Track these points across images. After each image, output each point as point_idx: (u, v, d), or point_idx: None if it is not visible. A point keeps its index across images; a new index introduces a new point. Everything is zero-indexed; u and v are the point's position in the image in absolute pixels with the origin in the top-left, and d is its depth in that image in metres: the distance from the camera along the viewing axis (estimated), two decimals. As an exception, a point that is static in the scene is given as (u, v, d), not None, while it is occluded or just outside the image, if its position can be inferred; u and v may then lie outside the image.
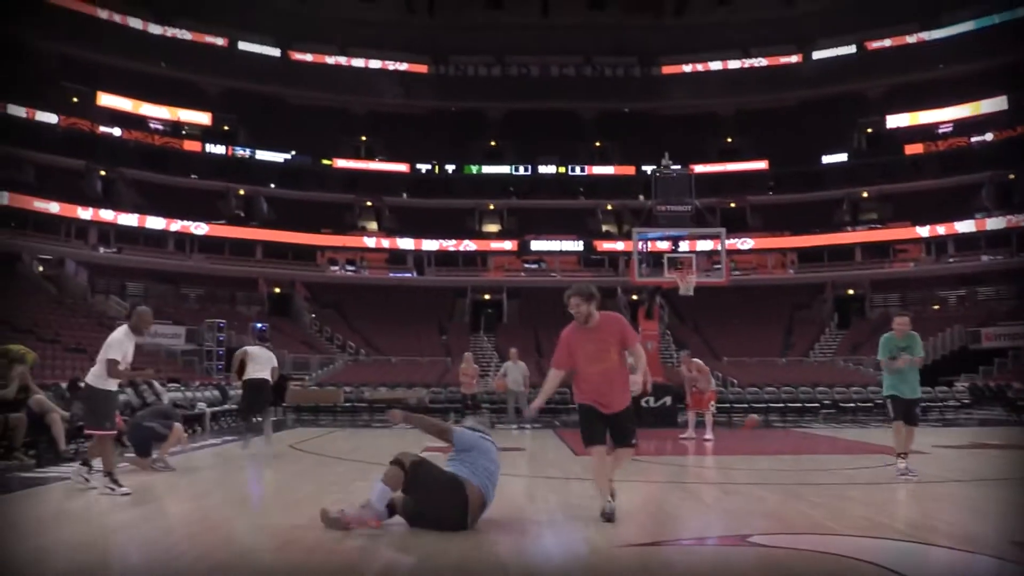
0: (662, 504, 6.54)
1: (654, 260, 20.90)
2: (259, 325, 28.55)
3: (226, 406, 16.96)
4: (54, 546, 4.74)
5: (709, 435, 12.83)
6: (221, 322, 27.04)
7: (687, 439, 12.84)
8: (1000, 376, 25.52)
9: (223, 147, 42.24)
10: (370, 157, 45.76)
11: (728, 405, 20.53)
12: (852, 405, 20.47)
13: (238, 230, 40.58)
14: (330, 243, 42.29)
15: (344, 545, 4.71)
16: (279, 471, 9.28)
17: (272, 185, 42.96)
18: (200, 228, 39.31)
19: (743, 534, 5.19)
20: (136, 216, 37.94)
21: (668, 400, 16.87)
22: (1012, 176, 38.09)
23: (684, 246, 28.62)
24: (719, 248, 20.17)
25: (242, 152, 42.59)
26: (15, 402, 9.43)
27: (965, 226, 38.07)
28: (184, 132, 42.51)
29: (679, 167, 26.19)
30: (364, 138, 46.10)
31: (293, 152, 43.56)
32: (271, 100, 43.36)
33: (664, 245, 25.56)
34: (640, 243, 20.20)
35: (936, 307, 36.54)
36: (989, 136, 39.17)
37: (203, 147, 41.96)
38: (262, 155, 42.93)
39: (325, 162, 44.18)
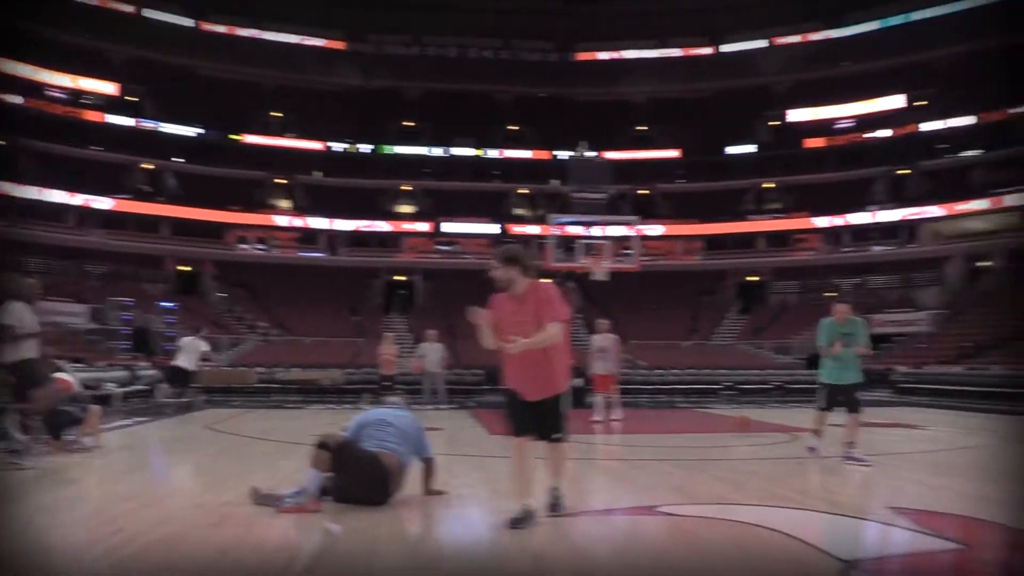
0: (575, 479, 6.89)
1: (567, 245, 21.39)
2: (166, 304, 27.80)
3: (136, 387, 16.62)
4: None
5: (611, 415, 13.12)
6: (127, 300, 26.25)
7: (597, 422, 12.98)
8: (887, 360, 27.10)
9: (129, 119, 40.70)
10: (283, 134, 44.87)
11: (635, 387, 21.23)
12: (752, 387, 21.46)
13: (144, 206, 39.29)
14: (240, 221, 41.37)
15: (280, 521, 4.88)
16: (199, 452, 9.28)
17: (180, 160, 41.71)
18: (103, 203, 37.90)
19: (652, 504, 5.59)
20: (36, 189, 36.25)
21: (581, 382, 17.31)
22: (904, 171, 40.25)
23: (597, 231, 29.28)
24: (631, 234, 20.78)
25: (149, 125, 41.15)
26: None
27: (860, 218, 40.10)
28: (87, 102, 40.74)
29: (594, 154, 26.70)
30: (277, 114, 45.16)
31: (203, 126, 42.35)
32: (180, 72, 41.91)
33: (577, 230, 26.11)
34: (554, 228, 20.63)
35: (832, 294, 38.36)
36: (885, 132, 41.24)
37: (107, 118, 40.34)
38: (170, 128, 41.61)
39: (236, 138, 43.13)
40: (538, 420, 4.97)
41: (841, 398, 8.02)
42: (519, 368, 4.95)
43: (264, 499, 5.25)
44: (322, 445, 5.22)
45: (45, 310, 25.56)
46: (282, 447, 9.09)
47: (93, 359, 21.32)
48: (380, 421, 5.67)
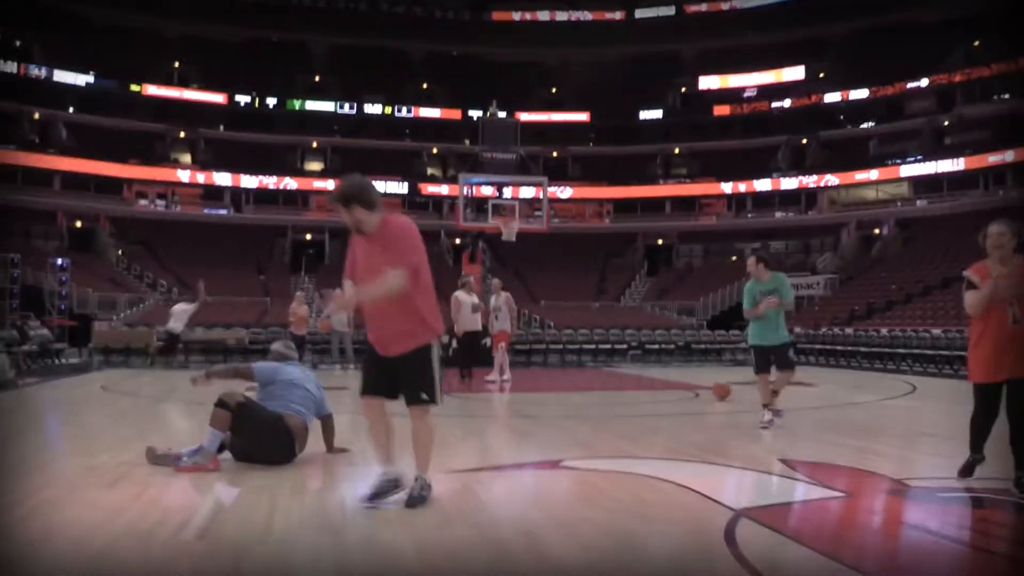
0: (481, 435, 6.99)
1: (478, 206, 21.37)
2: (59, 261, 26.47)
3: (25, 347, 15.88)
4: None
5: (501, 375, 12.68)
6: (15, 257, 24.78)
7: (490, 381, 12.58)
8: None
9: (14, 64, 38.22)
10: (184, 85, 42.98)
11: (544, 346, 21.54)
12: (657, 347, 22.03)
13: (32, 157, 37.10)
14: (139, 175, 39.59)
15: (178, 480, 4.79)
16: (95, 413, 8.97)
17: (72, 109, 39.53)
18: (-14, 152, 35.67)
19: (556, 459, 5.72)
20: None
21: (488, 341, 17.46)
22: (804, 141, 41.63)
23: (508, 192, 29.33)
24: (541, 196, 20.88)
25: (37, 71, 38.74)
26: None
27: (762, 184, 41.33)
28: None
29: (506, 115, 26.61)
30: (178, 64, 43.19)
31: (97, 75, 40.17)
32: (72, 17, 39.41)
33: (488, 191, 26.09)
34: (465, 188, 20.56)
35: (734, 259, 39.58)
36: (787, 103, 42.47)
37: (-10, 63, 37.80)
38: (61, 76, 39.24)
39: (134, 88, 41.05)
40: (395, 378, 4.29)
41: (772, 358, 7.71)
42: (374, 319, 4.32)
43: (161, 459, 5.14)
44: (221, 403, 5.11)
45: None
46: (182, 407, 8.87)
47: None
48: (288, 382, 5.59)
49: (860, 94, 40.39)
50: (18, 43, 38.99)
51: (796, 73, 42.75)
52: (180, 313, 17.06)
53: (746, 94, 44.51)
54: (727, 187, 41.80)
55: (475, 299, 12.71)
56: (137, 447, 5.51)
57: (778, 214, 40.83)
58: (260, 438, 5.21)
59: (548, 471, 5.42)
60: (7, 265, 24.37)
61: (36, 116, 38.48)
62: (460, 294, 12.53)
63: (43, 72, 38.76)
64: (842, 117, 41.72)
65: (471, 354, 12.66)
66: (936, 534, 3.89)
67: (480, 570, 3.24)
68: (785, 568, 3.30)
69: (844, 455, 6.02)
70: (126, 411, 8.96)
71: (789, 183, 40.65)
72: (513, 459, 5.81)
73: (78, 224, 37.47)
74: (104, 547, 3.44)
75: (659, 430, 7.41)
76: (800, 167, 41.15)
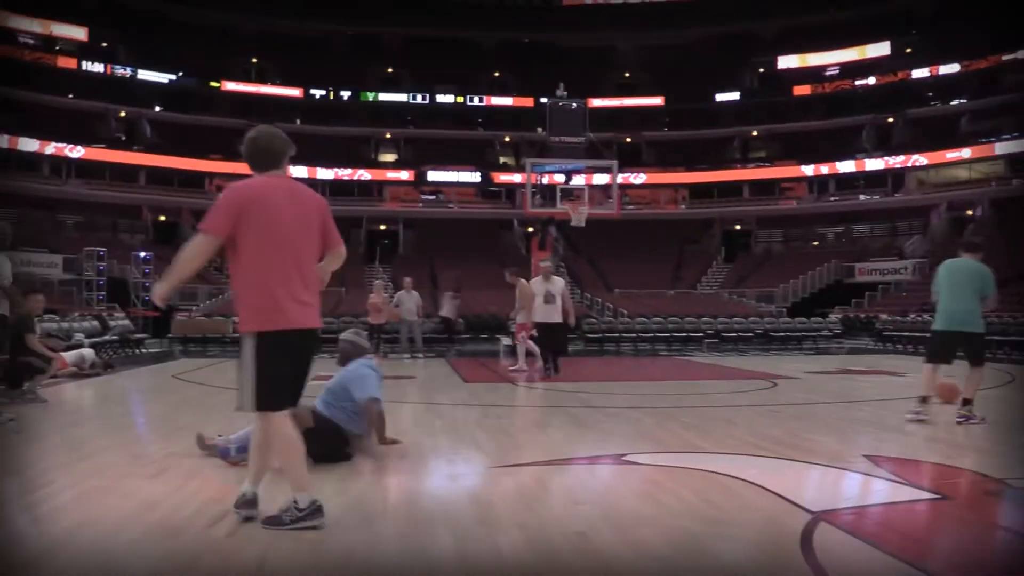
0: (543, 428, 6.69)
1: (548, 193, 21.02)
2: (143, 254, 27.30)
3: (106, 337, 16.30)
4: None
5: (520, 365, 12.12)
6: (101, 251, 25.69)
7: (517, 370, 11.97)
8: (870, 308, 27.08)
9: (101, 65, 39.60)
10: (262, 81, 43.89)
11: (617, 335, 21.10)
12: (734, 335, 21.33)
13: (119, 154, 38.48)
14: (220, 170, 40.55)
15: (224, 473, 4.63)
16: (159, 402, 9.03)
17: (157, 107, 40.75)
18: (77, 151, 37.05)
19: (619, 453, 5.38)
20: (6, 137, 35.32)
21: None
22: (890, 120, 39.83)
23: (580, 180, 28.85)
24: (610, 180, 20.41)
25: (122, 71, 40.07)
26: None
27: (846, 166, 39.75)
28: (58, 48, 39.58)
29: (575, 99, 26.11)
30: (255, 60, 44.12)
31: (179, 73, 41.31)
32: (154, 16, 40.65)
33: (560, 179, 25.69)
34: (535, 174, 20.23)
35: (815, 243, 38.26)
36: (871, 80, 40.70)
37: (79, 64, 39.23)
38: (145, 75, 40.55)
39: (213, 84, 42.11)
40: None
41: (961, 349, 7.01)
42: None
43: (210, 448, 4.99)
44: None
45: (20, 260, 25.15)
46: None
47: (67, 310, 20.95)
48: (341, 388, 5.27)
49: (950, 69, 38.38)
50: (104, 44, 40.32)
51: (881, 49, 40.96)
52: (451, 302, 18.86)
53: (828, 72, 42.91)
54: (808, 169, 40.39)
55: (551, 286, 11.45)
56: (189, 437, 5.40)
57: (863, 196, 39.22)
58: (315, 438, 4.92)
59: (609, 466, 5.09)
60: (94, 258, 25.41)
61: (122, 114, 39.82)
62: (533, 282, 11.74)
63: (128, 72, 40.03)
64: (931, 94, 39.75)
65: (550, 345, 11.56)
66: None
67: (520, 571, 2.95)
68: None
69: (938, 451, 5.51)
70: (190, 400, 8.97)
71: (874, 164, 39.01)
72: (573, 453, 5.48)
73: (162, 218, 38.66)
74: (133, 539, 3.31)
75: (732, 422, 6.97)
76: (886, 147, 39.44)
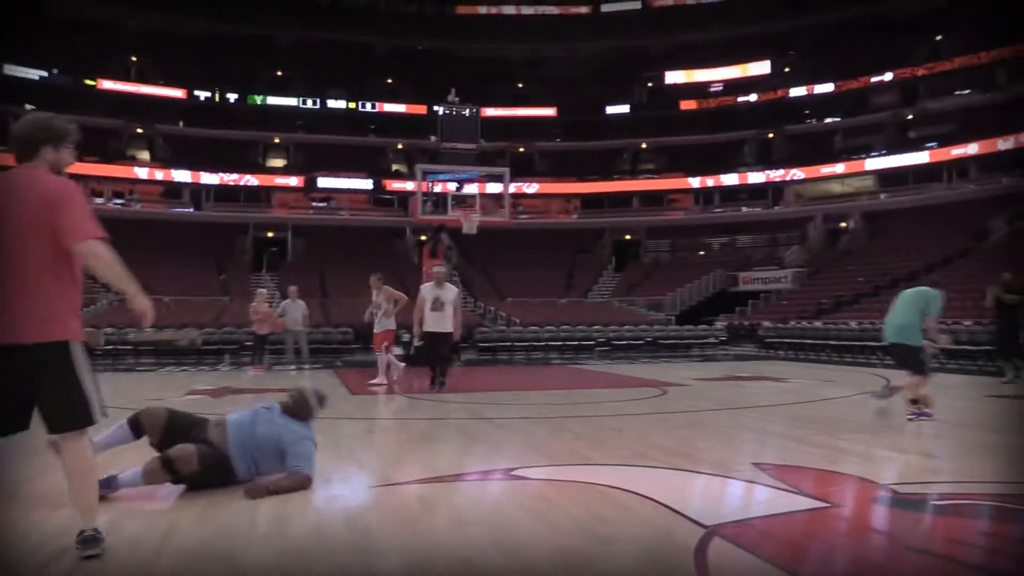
0: (428, 441, 6.44)
1: (441, 200, 20.80)
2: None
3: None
4: None
5: (380, 379, 11.38)
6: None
7: (376, 384, 11.24)
8: (753, 316, 27.98)
9: (-41, 58, 36.94)
10: (142, 80, 41.87)
11: (509, 344, 21.03)
12: (624, 343, 21.60)
13: (-21, 153, 35.90)
14: (95, 172, 38.43)
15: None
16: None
17: (27, 105, 38.22)
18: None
19: (509, 467, 5.19)
20: None
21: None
22: (771, 135, 41.52)
23: (472, 188, 28.75)
24: (501, 188, 20.35)
25: (-14, 65, 37.47)
26: None
27: (730, 179, 41.18)
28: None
29: (468, 105, 25.96)
30: (135, 58, 42.06)
31: (52, 69, 38.94)
32: (27, 9, 38.13)
33: (452, 187, 25.52)
34: (427, 182, 19.97)
35: (702, 253, 39.36)
36: (753, 97, 42.32)
37: (-65, 56, 36.48)
38: (13, 70, 38.00)
39: (89, 82, 39.89)
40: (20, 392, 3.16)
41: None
42: None
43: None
44: (165, 464, 4.25)
45: None
46: (118, 412, 8.18)
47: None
48: (274, 444, 4.55)
49: (825, 88, 40.34)
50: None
51: (762, 67, 42.70)
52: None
53: (712, 88, 44.34)
54: (694, 182, 41.63)
55: (443, 293, 10.60)
56: (40, 462, 4.87)
57: (745, 208, 40.68)
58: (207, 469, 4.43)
59: (498, 482, 4.88)
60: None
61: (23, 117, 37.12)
62: (424, 287, 10.85)
63: (-8, 66, 37.48)
64: (807, 111, 41.69)
65: (435, 357, 10.75)
66: (933, 552, 3.42)
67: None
68: None
69: (823, 457, 5.55)
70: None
71: (756, 177, 40.58)
72: (461, 468, 5.25)
73: (29, 223, 36.23)
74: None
75: (623, 432, 6.90)
76: (767, 161, 41.08)
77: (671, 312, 29.24)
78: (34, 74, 38.61)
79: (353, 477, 4.92)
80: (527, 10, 45.76)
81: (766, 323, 24.29)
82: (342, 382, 12.43)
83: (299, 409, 4.69)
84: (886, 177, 37.55)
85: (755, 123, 41.74)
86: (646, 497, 4.20)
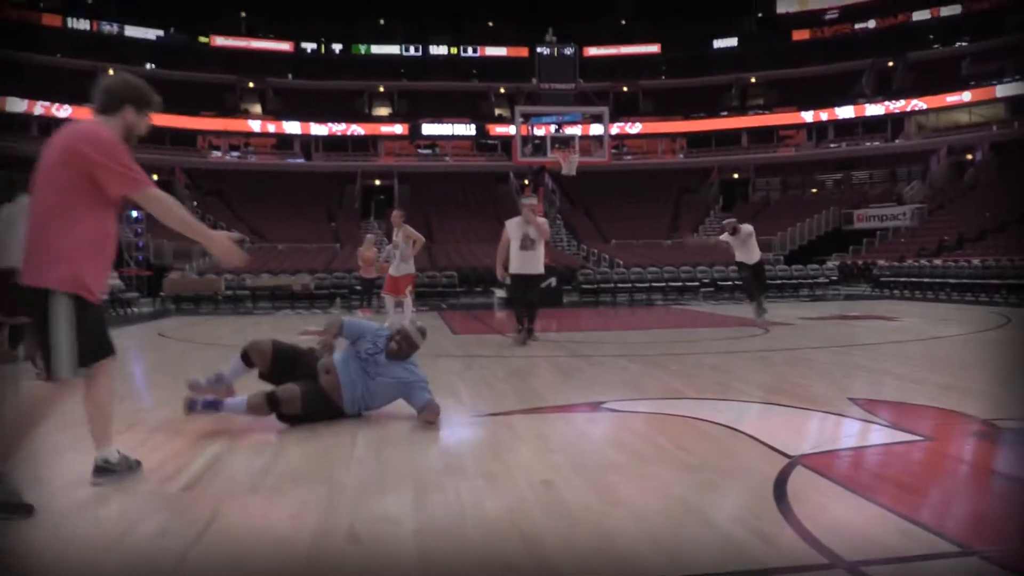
0: (525, 377, 6.58)
1: (540, 143, 20.69)
2: (135, 214, 27.06)
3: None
4: None
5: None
6: (92, 210, 25.50)
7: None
8: (868, 255, 26.88)
9: (87, 22, 38.91)
10: (252, 35, 43.15)
11: (612, 285, 20.98)
12: (730, 283, 21.18)
13: (108, 112, 38.01)
14: (211, 127, 40.19)
15: (189, 426, 4.52)
16: (141, 359, 8.92)
17: (147, 65, 40.11)
18: (65, 110, 36.57)
19: (598, 401, 5.27)
20: (-7, 98, 34.94)
21: (553, 281, 17.02)
22: (890, 63, 39.20)
23: (574, 130, 28.46)
24: (601, 128, 20.09)
25: (109, 28, 39.38)
26: None
27: (845, 112, 39.24)
28: (42, 4, 38.84)
29: (566, 45, 25.56)
30: (244, 14, 43.32)
31: (167, 28, 40.60)
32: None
33: (552, 129, 25.32)
34: (527, 125, 19.93)
35: (814, 191, 37.90)
36: (872, 23, 39.97)
37: (65, 21, 38.54)
38: (132, 31, 39.87)
39: (203, 40, 41.44)
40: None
41: None
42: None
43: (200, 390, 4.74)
44: (271, 400, 4.45)
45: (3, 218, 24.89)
46: (230, 351, 8.72)
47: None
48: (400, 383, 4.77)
49: (952, 10, 37.67)
50: (89, 1, 39.58)
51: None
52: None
53: (827, 16, 42.12)
54: (807, 116, 39.91)
55: (531, 230, 9.31)
56: (161, 394, 5.29)
57: (863, 143, 38.75)
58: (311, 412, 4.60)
59: (585, 414, 4.98)
60: (83, 218, 25.24)
61: (110, 72, 39.11)
62: (511, 223, 9.56)
63: (115, 28, 39.36)
64: (932, 36, 39.02)
65: (525, 301, 9.38)
66: (1029, 483, 3.32)
67: (480, 522, 2.84)
68: (842, 526, 2.76)
69: (926, 393, 5.38)
70: (171, 357, 8.86)
71: (874, 109, 38.55)
72: (551, 401, 5.36)
73: (155, 177, 38.17)
74: (88, 497, 3.19)
75: (720, 368, 6.86)
76: (886, 92, 38.91)
77: (780, 252, 28.42)
78: (151, 34, 40.32)
79: (448, 408, 5.09)
80: (629, -57, 44.45)
81: (881, 262, 23.31)
82: (446, 323, 12.76)
83: (407, 349, 4.84)
84: (1018, 104, 34.88)
85: (873, 51, 39.48)
86: (734, 429, 4.21)
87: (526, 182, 36.96)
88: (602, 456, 3.78)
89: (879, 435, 4.21)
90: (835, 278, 22.21)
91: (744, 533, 2.67)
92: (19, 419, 3.19)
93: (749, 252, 12.00)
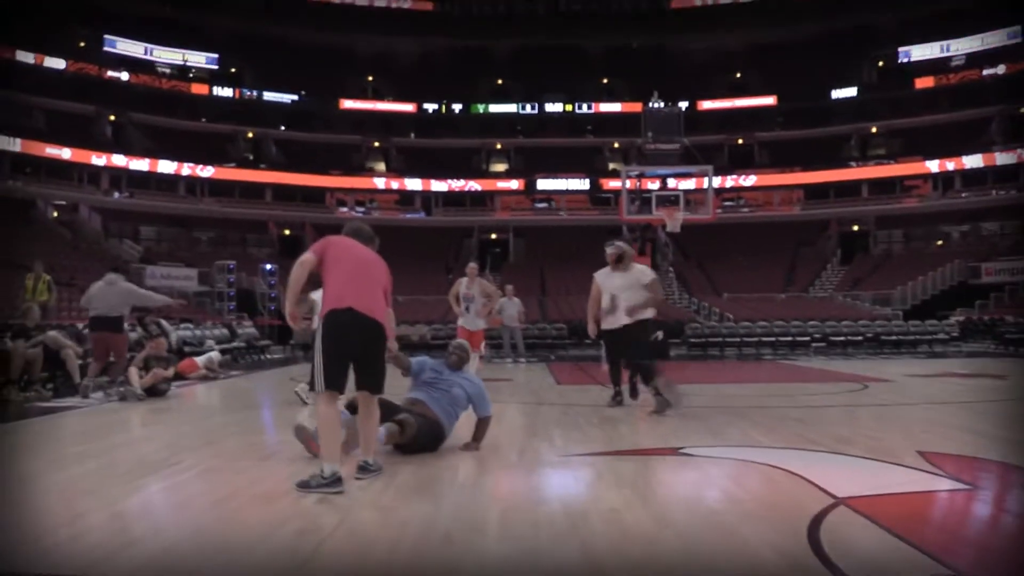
0: (615, 423, 7.12)
1: (647, 199, 21.26)
2: (268, 267, 29.12)
3: (234, 344, 17.71)
4: (69, 458, 5.42)
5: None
6: (231, 264, 27.67)
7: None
8: (996, 310, 25.88)
9: (230, 89, 42.47)
10: (377, 97, 45.85)
11: (721, 340, 21.11)
12: (842, 339, 20.94)
13: (247, 173, 41.15)
14: (339, 184, 42.75)
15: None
16: (275, 399, 9.97)
17: (281, 127, 43.25)
18: (208, 171, 39.85)
19: (677, 446, 5.78)
20: (147, 160, 38.51)
21: (660, 334, 17.37)
22: (1022, 110, 37.77)
23: (689, 184, 28.74)
24: (707, 187, 20.49)
25: (249, 94, 42.82)
26: (30, 335, 10.14)
27: (973, 161, 37.99)
28: (192, 75, 42.72)
29: (674, 102, 26.16)
30: (371, 78, 46.11)
31: (301, 93, 43.74)
32: (277, 41, 43.18)
33: (656, 186, 25.75)
34: (635, 179, 20.57)
35: (939, 243, 36.69)
36: (1001, 69, 38.72)
37: (211, 90, 42.23)
38: (269, 96, 43.17)
39: (332, 103, 44.35)
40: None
41: None
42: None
43: (300, 432, 5.56)
44: (399, 422, 5.22)
45: (160, 274, 27.32)
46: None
47: (201, 319, 22.70)
48: (428, 380, 5.82)
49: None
50: (232, 70, 43.15)
51: (1010, 35, 38.86)
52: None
53: (953, 63, 41.04)
54: (933, 165, 38.83)
55: (614, 283, 8.10)
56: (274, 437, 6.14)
57: (993, 192, 37.28)
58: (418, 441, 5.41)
59: (662, 457, 5.50)
60: (224, 271, 27.37)
61: (250, 135, 42.45)
62: (599, 274, 8.33)
63: (254, 94, 42.69)
64: (1066, 80, 37.42)
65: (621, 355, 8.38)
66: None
67: (552, 536, 3.44)
68: (866, 558, 3.14)
69: (999, 451, 5.52)
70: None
71: (1005, 158, 37.09)
72: (635, 445, 5.91)
73: (287, 232, 40.94)
74: (237, 507, 3.99)
75: (803, 421, 7.19)
76: (1018, 139, 37.36)
77: (900, 307, 27.71)
78: (286, 99, 43.49)
79: (542, 449, 5.74)
80: (744, -3, 44.79)
81: (1008, 318, 22.47)
82: (551, 373, 13.40)
83: (465, 356, 6.01)
84: None
85: (1004, 97, 38.10)
86: (791, 472, 4.65)
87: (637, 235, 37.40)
88: (668, 490, 4.33)
89: (930, 483, 4.53)
90: (955, 334, 21.54)
91: (772, 554, 3.18)
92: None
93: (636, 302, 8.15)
